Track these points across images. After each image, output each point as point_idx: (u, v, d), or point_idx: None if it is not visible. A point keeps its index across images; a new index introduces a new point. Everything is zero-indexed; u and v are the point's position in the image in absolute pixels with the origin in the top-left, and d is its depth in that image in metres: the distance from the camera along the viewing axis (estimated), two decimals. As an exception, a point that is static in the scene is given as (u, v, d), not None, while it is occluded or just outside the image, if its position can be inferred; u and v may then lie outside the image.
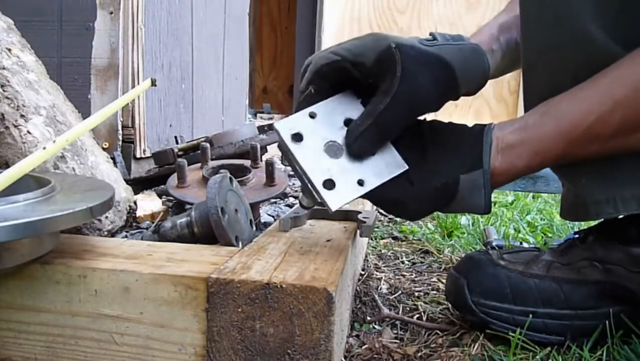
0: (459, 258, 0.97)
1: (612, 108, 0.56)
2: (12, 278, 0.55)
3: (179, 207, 1.04)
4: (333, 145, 0.59)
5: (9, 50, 0.80)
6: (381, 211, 1.09)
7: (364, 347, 0.63)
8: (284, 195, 1.31)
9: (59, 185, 0.58)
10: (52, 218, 0.47)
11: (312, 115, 0.60)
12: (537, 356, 0.60)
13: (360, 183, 0.58)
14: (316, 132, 0.59)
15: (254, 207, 0.93)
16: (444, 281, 0.86)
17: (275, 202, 1.27)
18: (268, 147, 1.18)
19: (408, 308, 0.75)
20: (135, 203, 0.89)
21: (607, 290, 0.63)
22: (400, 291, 0.82)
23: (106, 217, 0.80)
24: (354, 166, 0.59)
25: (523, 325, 0.62)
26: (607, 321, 0.61)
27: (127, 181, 0.95)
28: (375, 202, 0.62)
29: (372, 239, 1.15)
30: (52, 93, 0.84)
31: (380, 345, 0.63)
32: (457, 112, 2.34)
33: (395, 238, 1.19)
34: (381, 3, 2.68)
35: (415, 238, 1.19)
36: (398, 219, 1.34)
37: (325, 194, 0.56)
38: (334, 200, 0.56)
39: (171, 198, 1.10)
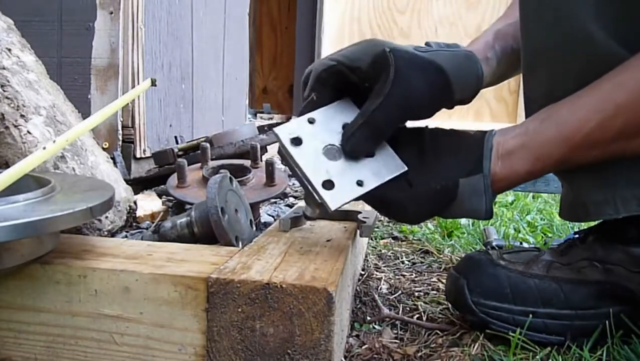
0: (459, 258, 0.97)
1: (614, 113, 0.56)
2: (12, 278, 0.55)
3: (179, 207, 1.04)
4: (332, 148, 0.60)
5: (9, 50, 0.80)
6: (381, 214, 1.09)
7: (364, 347, 0.63)
8: (284, 195, 1.31)
9: (59, 185, 0.58)
10: (52, 218, 0.47)
11: (311, 121, 0.61)
12: (537, 356, 0.60)
13: (360, 183, 0.59)
14: (315, 137, 0.60)
15: (254, 207, 0.93)
16: (444, 281, 0.85)
17: (275, 202, 1.27)
18: (268, 147, 1.18)
19: (408, 308, 0.75)
20: (135, 203, 0.89)
21: (607, 290, 0.63)
22: (400, 291, 0.82)
23: (106, 217, 0.80)
24: (352, 167, 0.59)
25: (523, 325, 0.62)
26: (607, 321, 0.61)
27: (127, 181, 0.95)
28: (375, 204, 0.62)
29: (372, 239, 1.15)
30: (52, 93, 0.84)
31: (380, 345, 0.63)
32: (457, 112, 2.33)
33: (395, 238, 1.19)
34: (381, 3, 2.68)
35: (415, 238, 1.19)
36: (398, 219, 1.34)
37: (325, 194, 0.57)
38: (333, 200, 0.57)
39: (171, 198, 1.10)
